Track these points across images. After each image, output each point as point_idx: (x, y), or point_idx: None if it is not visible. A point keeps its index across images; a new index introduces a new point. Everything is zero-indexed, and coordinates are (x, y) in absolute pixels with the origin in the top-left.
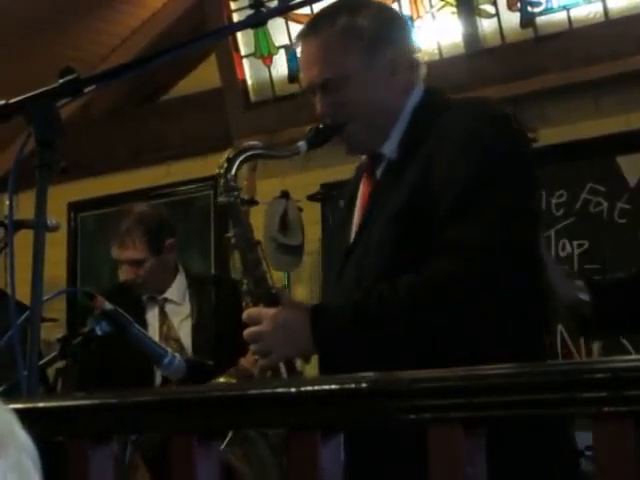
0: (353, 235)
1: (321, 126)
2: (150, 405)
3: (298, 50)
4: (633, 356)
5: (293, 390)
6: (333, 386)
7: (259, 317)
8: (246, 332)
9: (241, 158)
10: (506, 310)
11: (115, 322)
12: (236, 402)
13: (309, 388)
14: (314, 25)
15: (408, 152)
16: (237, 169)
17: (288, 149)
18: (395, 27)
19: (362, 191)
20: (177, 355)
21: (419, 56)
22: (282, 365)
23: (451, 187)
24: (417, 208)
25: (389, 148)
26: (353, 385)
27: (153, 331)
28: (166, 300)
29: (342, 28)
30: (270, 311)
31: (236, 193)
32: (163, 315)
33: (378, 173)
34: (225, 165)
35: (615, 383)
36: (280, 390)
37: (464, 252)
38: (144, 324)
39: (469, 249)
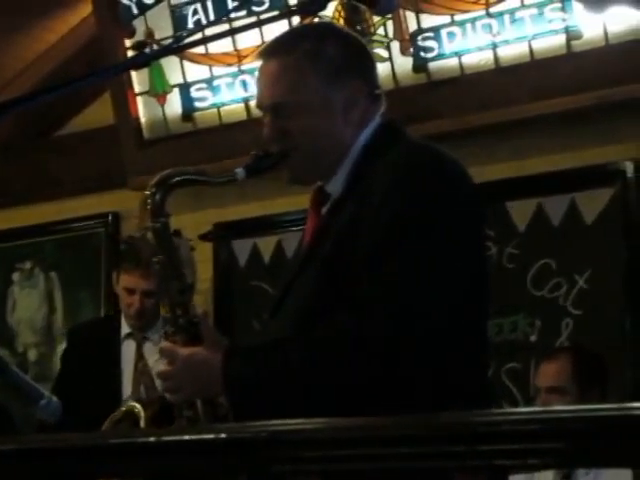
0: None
1: (262, 153)
2: (8, 453)
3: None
4: (490, 410)
5: (152, 439)
6: (192, 436)
7: (172, 357)
8: (157, 371)
9: (171, 182)
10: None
11: None
12: (96, 451)
13: (169, 438)
14: (277, 45)
15: (350, 191)
16: (166, 194)
17: (224, 176)
18: (361, 59)
19: (307, 228)
20: (54, 398)
21: (381, 90)
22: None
23: (368, 238)
24: (341, 254)
25: (334, 186)
26: (212, 435)
27: (128, 366)
28: (145, 339)
29: (305, 53)
30: (184, 352)
31: (163, 219)
32: (139, 353)
33: (324, 210)
34: (153, 190)
35: (472, 438)
36: (140, 440)
37: (372, 312)
38: (118, 359)
39: (377, 310)
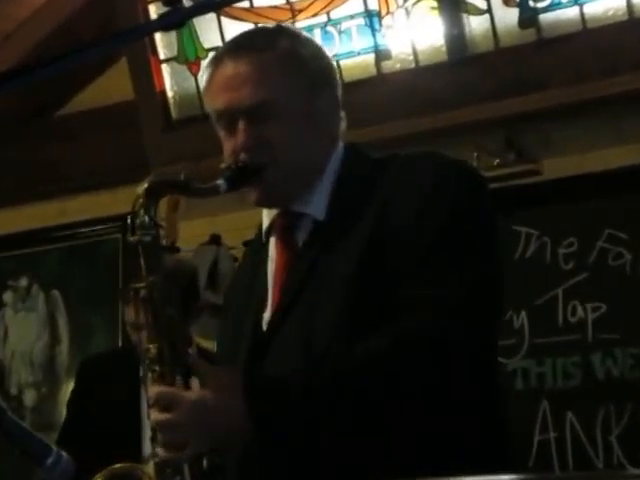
0: (272, 305)
1: (239, 164)
2: None
3: (206, 72)
4: None
5: None
6: None
7: (173, 402)
8: (156, 419)
9: (164, 190)
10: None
11: None
12: None
13: None
14: (249, 42)
15: (341, 212)
16: (157, 203)
17: (206, 187)
18: (333, 72)
19: (277, 258)
20: (64, 454)
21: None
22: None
23: (418, 241)
24: (374, 269)
25: (315, 208)
26: None
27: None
28: None
29: (285, 51)
30: (189, 395)
31: (154, 232)
32: None
33: (300, 237)
34: (143, 198)
35: None
36: None
37: (432, 313)
38: (138, 402)
39: (437, 310)
